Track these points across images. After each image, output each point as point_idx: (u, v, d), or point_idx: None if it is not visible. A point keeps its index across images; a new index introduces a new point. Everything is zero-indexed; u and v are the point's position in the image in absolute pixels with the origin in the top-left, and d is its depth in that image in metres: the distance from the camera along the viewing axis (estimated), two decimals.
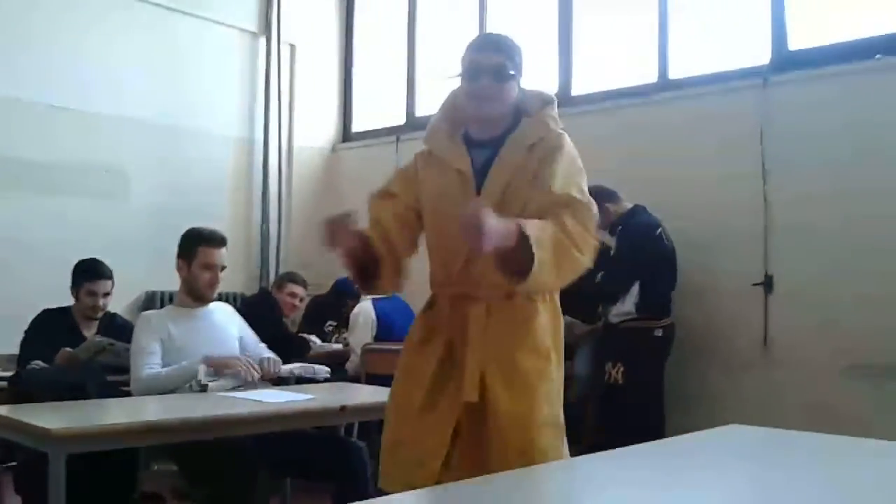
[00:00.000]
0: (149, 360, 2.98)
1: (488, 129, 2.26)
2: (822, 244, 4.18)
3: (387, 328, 4.84)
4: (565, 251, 2.02)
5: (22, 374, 2.66)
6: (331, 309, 5.38)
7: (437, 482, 2.04)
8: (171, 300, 5.48)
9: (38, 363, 3.25)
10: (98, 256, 4.28)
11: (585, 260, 2.09)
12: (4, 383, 3.02)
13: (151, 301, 5.47)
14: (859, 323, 4.02)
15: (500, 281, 2.06)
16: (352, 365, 4.81)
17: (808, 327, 4.19)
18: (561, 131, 2.28)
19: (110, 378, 3.07)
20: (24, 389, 2.55)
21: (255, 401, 2.66)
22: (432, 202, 2.31)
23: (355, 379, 4.73)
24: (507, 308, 2.19)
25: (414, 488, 1.92)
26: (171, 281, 5.55)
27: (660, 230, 4.29)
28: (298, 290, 4.93)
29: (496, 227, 1.90)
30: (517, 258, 1.95)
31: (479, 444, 2.13)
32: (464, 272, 2.24)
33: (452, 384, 2.17)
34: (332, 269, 6.35)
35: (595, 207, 2.21)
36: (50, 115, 5.24)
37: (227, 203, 6.07)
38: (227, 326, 3.29)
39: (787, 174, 4.30)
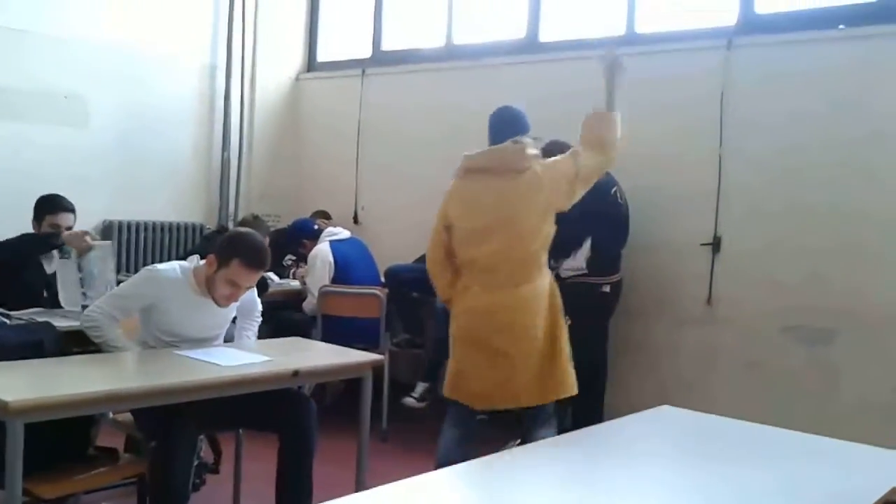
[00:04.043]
0: (110, 312, 2.94)
1: None
2: (772, 210, 4.29)
3: (344, 270, 4.90)
4: None
5: None
6: (289, 245, 5.43)
7: None
8: (128, 230, 5.53)
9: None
10: (57, 184, 4.26)
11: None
12: None
13: (110, 230, 5.46)
14: (798, 288, 4.19)
15: None
16: (309, 306, 4.89)
17: (751, 288, 4.35)
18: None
19: (63, 327, 3.09)
20: None
21: (213, 364, 2.74)
22: None
23: (312, 319, 4.83)
24: None
25: None
26: (130, 210, 5.60)
27: (615, 189, 4.36)
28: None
29: None
30: None
31: None
32: None
33: None
34: (289, 200, 6.40)
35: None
36: (7, 37, 5.08)
37: (188, 131, 5.99)
38: (227, 313, 3.17)
39: (744, 137, 4.38)
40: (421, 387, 4.92)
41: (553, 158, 3.40)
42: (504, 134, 3.42)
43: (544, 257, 3.41)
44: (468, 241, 3.39)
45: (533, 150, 3.37)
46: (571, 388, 3.34)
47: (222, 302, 3.03)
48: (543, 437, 3.27)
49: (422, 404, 4.81)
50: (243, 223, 5.01)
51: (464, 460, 3.16)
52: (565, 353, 3.34)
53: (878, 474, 2.05)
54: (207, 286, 3.02)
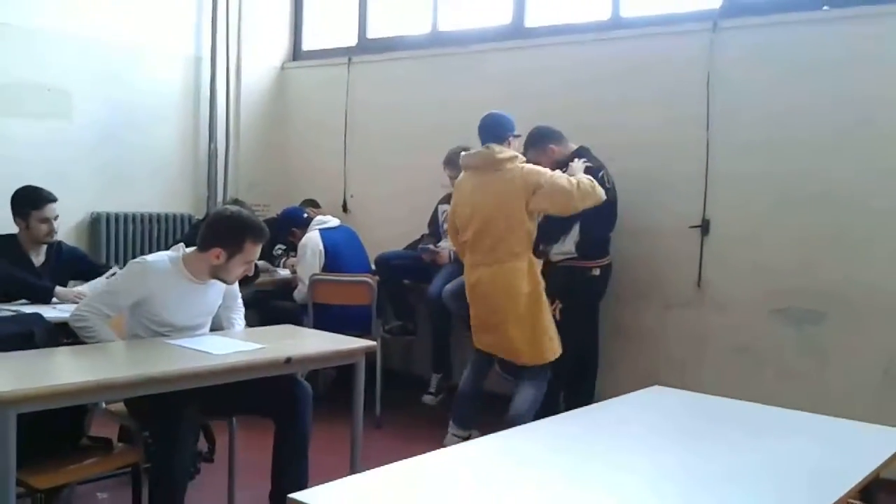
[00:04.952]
0: (101, 309, 2.92)
1: None
2: (760, 192, 4.31)
3: (334, 259, 4.89)
4: None
5: None
6: (279, 233, 5.41)
7: None
8: (116, 222, 5.49)
9: None
10: (41, 178, 4.24)
11: None
12: None
13: (97, 223, 5.43)
14: (786, 270, 4.22)
15: None
16: (300, 294, 4.88)
17: (740, 271, 4.37)
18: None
19: (53, 318, 3.08)
20: None
21: (205, 352, 2.73)
22: None
23: (303, 307, 4.83)
24: None
25: None
26: (118, 202, 5.57)
27: (602, 173, 4.34)
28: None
29: None
30: None
31: None
32: None
33: None
34: (277, 189, 6.39)
35: None
36: None
37: (174, 122, 5.95)
38: (216, 297, 3.20)
39: (731, 120, 4.39)
40: (434, 378, 4.92)
41: (535, 168, 4.02)
42: (485, 138, 4.11)
43: (521, 246, 3.99)
44: (462, 223, 4.18)
45: (506, 154, 3.99)
46: (552, 353, 4.06)
47: (233, 280, 3.16)
48: (527, 394, 4.07)
49: (439, 397, 4.83)
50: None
51: (474, 391, 4.26)
52: (543, 324, 4.02)
53: (869, 450, 2.07)
54: (214, 275, 3.05)
